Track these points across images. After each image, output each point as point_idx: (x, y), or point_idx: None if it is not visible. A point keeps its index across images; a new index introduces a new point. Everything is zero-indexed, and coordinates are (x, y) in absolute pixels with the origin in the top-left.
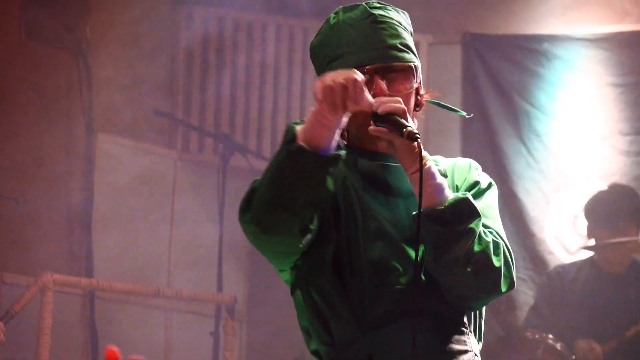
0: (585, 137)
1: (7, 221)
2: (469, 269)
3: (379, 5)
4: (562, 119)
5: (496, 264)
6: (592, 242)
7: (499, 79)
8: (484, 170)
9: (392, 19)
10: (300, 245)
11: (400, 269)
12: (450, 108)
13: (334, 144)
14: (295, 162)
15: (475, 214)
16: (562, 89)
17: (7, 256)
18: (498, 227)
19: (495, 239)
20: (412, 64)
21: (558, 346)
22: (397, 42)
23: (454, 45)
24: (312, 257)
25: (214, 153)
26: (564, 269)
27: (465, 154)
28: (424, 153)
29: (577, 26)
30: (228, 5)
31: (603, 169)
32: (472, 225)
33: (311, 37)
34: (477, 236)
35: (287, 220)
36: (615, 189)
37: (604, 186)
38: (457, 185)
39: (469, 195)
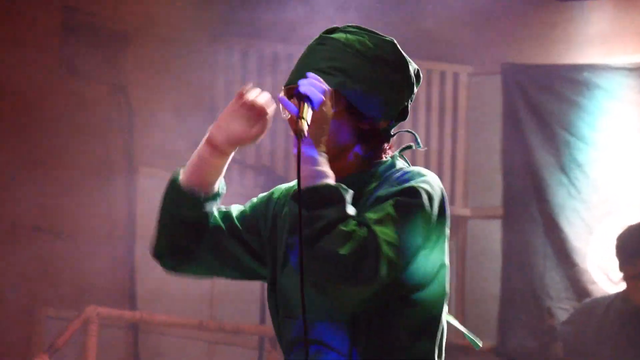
0: (626, 166)
1: (48, 256)
2: (313, 253)
3: (342, 28)
4: (603, 148)
5: (341, 251)
6: (620, 275)
7: (539, 109)
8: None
9: (339, 41)
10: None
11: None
12: (415, 138)
13: (215, 184)
14: (167, 194)
15: (334, 202)
16: (602, 118)
17: (51, 290)
18: (388, 225)
19: (359, 230)
20: (295, 87)
21: None
22: (325, 64)
23: (494, 76)
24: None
25: (255, 187)
26: (595, 301)
27: (506, 185)
28: (322, 146)
29: (617, 55)
30: (265, 36)
31: None
32: (325, 212)
33: None
34: (329, 223)
35: (169, 241)
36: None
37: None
38: (368, 200)
39: (339, 185)
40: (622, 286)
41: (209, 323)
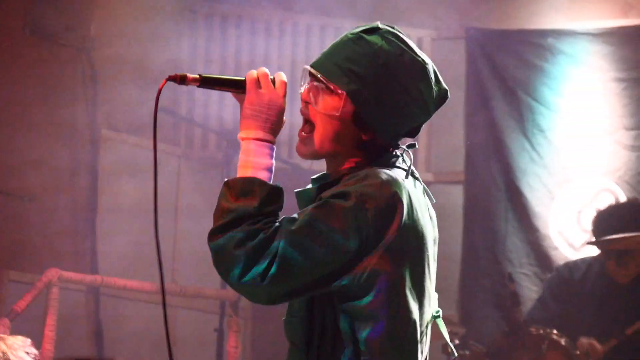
0: (589, 132)
1: (12, 219)
2: (210, 244)
3: (383, 31)
4: (566, 114)
5: (235, 251)
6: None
7: (503, 74)
8: (487, 164)
9: (372, 47)
10: None
11: None
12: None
13: None
14: None
15: (251, 196)
16: (566, 83)
17: (12, 254)
18: (294, 231)
19: (267, 229)
20: (338, 88)
21: (562, 341)
22: (348, 65)
23: (458, 40)
24: None
25: (217, 149)
26: (575, 264)
27: (469, 148)
28: (258, 133)
29: (582, 21)
30: (229, 0)
31: (607, 164)
32: (229, 205)
33: (317, 35)
34: (237, 218)
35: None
36: (628, 203)
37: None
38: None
39: (254, 178)
40: (587, 252)
41: (170, 287)
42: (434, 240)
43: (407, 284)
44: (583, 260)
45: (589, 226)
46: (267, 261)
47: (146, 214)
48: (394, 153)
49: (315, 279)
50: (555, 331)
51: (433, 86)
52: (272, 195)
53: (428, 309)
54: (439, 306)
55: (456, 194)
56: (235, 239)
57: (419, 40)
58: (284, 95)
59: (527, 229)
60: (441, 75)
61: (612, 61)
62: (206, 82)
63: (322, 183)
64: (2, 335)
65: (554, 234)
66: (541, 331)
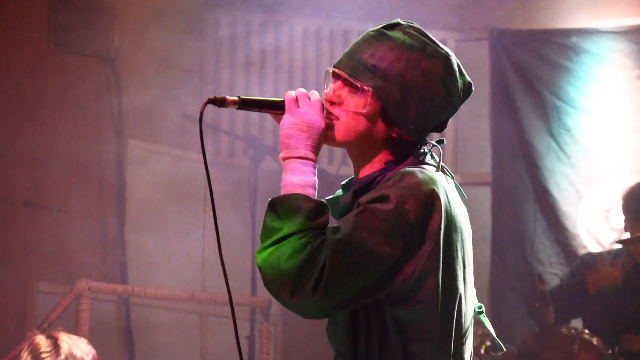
0: (615, 130)
1: (40, 231)
2: (260, 262)
3: (404, 26)
4: (591, 112)
5: (283, 266)
6: (627, 235)
7: (527, 75)
8: (513, 165)
9: (395, 42)
10: None
11: None
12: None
13: None
14: None
15: (286, 214)
16: (591, 82)
17: (42, 265)
18: (339, 240)
19: (314, 241)
20: (364, 86)
21: (594, 341)
22: (372, 62)
23: (483, 42)
24: None
25: (245, 156)
26: (596, 257)
27: (495, 151)
28: (299, 151)
29: (605, 19)
30: (254, 8)
31: (634, 162)
32: (275, 223)
33: (341, 39)
34: (281, 235)
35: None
36: None
37: (638, 179)
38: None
39: (299, 194)
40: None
41: (200, 295)
42: (469, 234)
43: (453, 280)
44: (607, 252)
45: (617, 224)
46: (316, 274)
47: (174, 223)
48: (423, 150)
49: (365, 287)
50: (586, 331)
51: (458, 79)
52: (318, 210)
53: (471, 304)
54: None
55: (483, 196)
56: (284, 256)
57: (443, 42)
58: (322, 113)
59: (555, 229)
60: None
61: (637, 59)
62: (245, 104)
63: (356, 188)
64: (66, 333)
65: (583, 233)
66: (572, 331)
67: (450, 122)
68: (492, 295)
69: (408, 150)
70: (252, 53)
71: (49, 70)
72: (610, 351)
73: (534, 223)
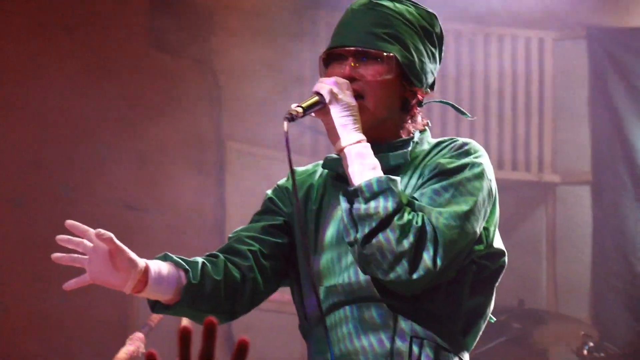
0: None
1: (139, 234)
2: (364, 251)
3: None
4: None
5: (398, 248)
6: None
7: (625, 72)
8: (613, 164)
9: (389, 8)
10: None
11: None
12: (456, 108)
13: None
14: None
15: (387, 195)
16: None
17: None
18: (442, 212)
19: (414, 219)
20: (385, 53)
21: None
22: (380, 30)
23: (580, 40)
24: None
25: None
26: None
27: (595, 150)
28: (356, 135)
29: None
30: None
31: None
32: (369, 208)
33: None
34: (384, 218)
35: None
36: None
37: None
38: (426, 167)
39: (380, 176)
40: None
41: None
42: None
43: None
44: None
45: None
46: (432, 248)
47: None
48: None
49: (470, 249)
50: None
51: (443, 33)
52: (398, 186)
53: None
54: (570, 308)
55: (584, 195)
56: (393, 238)
57: (540, 41)
58: (351, 92)
59: None
60: (564, 75)
61: None
62: (304, 112)
63: (403, 151)
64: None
65: None
66: None
67: (550, 121)
68: (593, 295)
69: (416, 112)
70: None
71: (149, 73)
72: None
73: (635, 222)
